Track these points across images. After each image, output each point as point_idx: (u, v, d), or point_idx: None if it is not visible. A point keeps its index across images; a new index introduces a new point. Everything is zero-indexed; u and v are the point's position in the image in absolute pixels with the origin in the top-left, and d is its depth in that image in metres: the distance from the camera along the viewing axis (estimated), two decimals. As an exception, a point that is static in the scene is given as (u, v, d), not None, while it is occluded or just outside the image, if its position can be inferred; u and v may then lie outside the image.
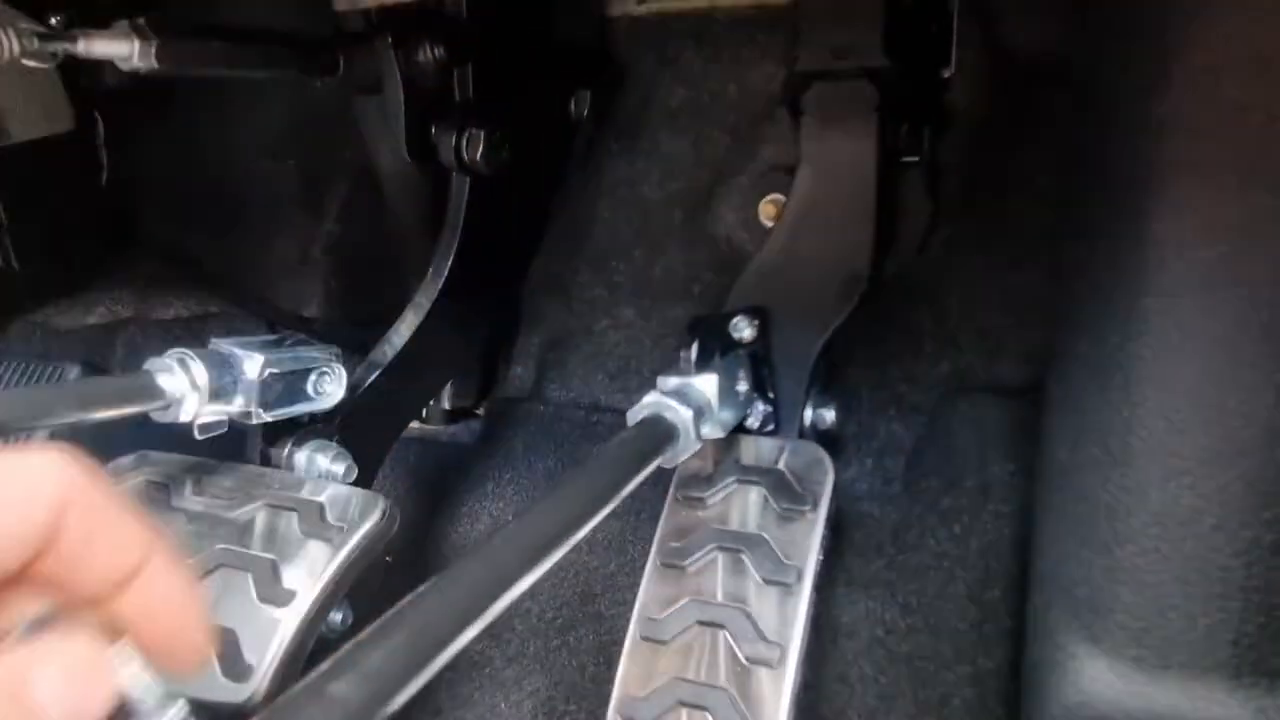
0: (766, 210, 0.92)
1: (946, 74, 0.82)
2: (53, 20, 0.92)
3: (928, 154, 0.81)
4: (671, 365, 1.11)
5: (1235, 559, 0.40)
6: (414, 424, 1.25)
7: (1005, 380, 0.76)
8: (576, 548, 1.12)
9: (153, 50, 0.55)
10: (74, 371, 1.13)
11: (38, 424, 0.63)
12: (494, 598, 0.43)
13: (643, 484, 0.72)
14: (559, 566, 1.05)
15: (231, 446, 0.79)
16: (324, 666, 0.36)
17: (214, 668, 0.64)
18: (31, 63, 0.49)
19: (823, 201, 0.75)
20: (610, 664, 0.95)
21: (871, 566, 0.78)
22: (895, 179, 0.80)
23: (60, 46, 0.50)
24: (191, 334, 1.34)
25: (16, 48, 0.48)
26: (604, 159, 1.03)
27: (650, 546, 0.75)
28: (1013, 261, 0.78)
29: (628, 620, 0.79)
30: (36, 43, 0.49)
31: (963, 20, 0.81)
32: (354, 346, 0.84)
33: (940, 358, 0.80)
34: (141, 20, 0.55)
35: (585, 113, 0.89)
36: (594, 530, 1.13)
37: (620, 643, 0.92)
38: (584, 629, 0.97)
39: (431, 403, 1.24)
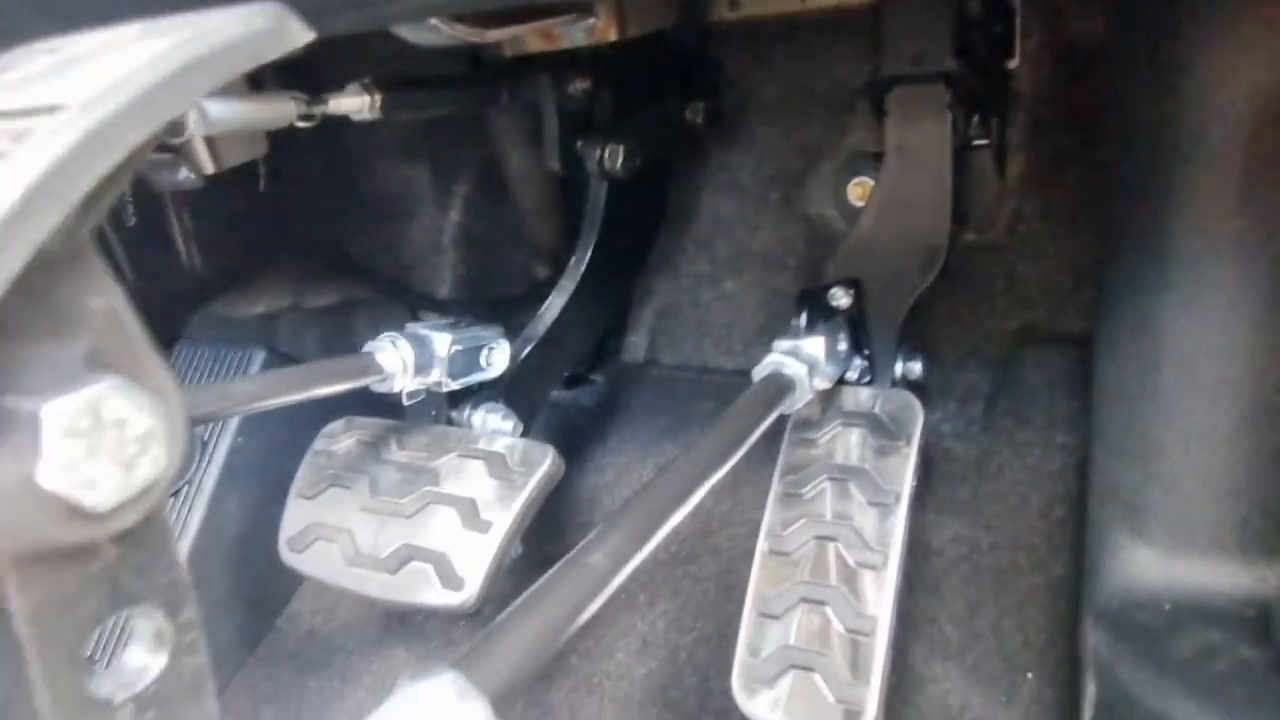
0: (854, 191, 1.05)
1: (1011, 65, 0.93)
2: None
3: (996, 138, 0.92)
4: (769, 329, 1.24)
5: (1239, 464, 0.53)
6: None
7: (1067, 331, 0.88)
8: (695, 491, 1.28)
9: (378, 104, 0.71)
10: (260, 355, 1.31)
11: (290, 397, 0.80)
12: (669, 515, 0.58)
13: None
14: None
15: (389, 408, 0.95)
16: (574, 551, 0.52)
17: (433, 579, 0.81)
18: (302, 123, 0.66)
19: (905, 188, 0.87)
20: (729, 588, 1.10)
21: (957, 495, 0.91)
22: (968, 162, 0.92)
23: (320, 109, 0.66)
24: (342, 318, 1.52)
25: (295, 112, 0.65)
26: (708, 149, 1.17)
27: (759, 488, 0.89)
28: (1071, 228, 0.89)
29: (742, 551, 0.92)
30: (305, 107, 0.65)
31: (1025, 16, 0.92)
32: (482, 322, 1.00)
33: (1011, 314, 0.92)
34: (368, 80, 0.71)
35: (700, 119, 1.03)
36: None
37: (736, 570, 1.07)
38: (705, 560, 1.12)
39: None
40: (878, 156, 0.95)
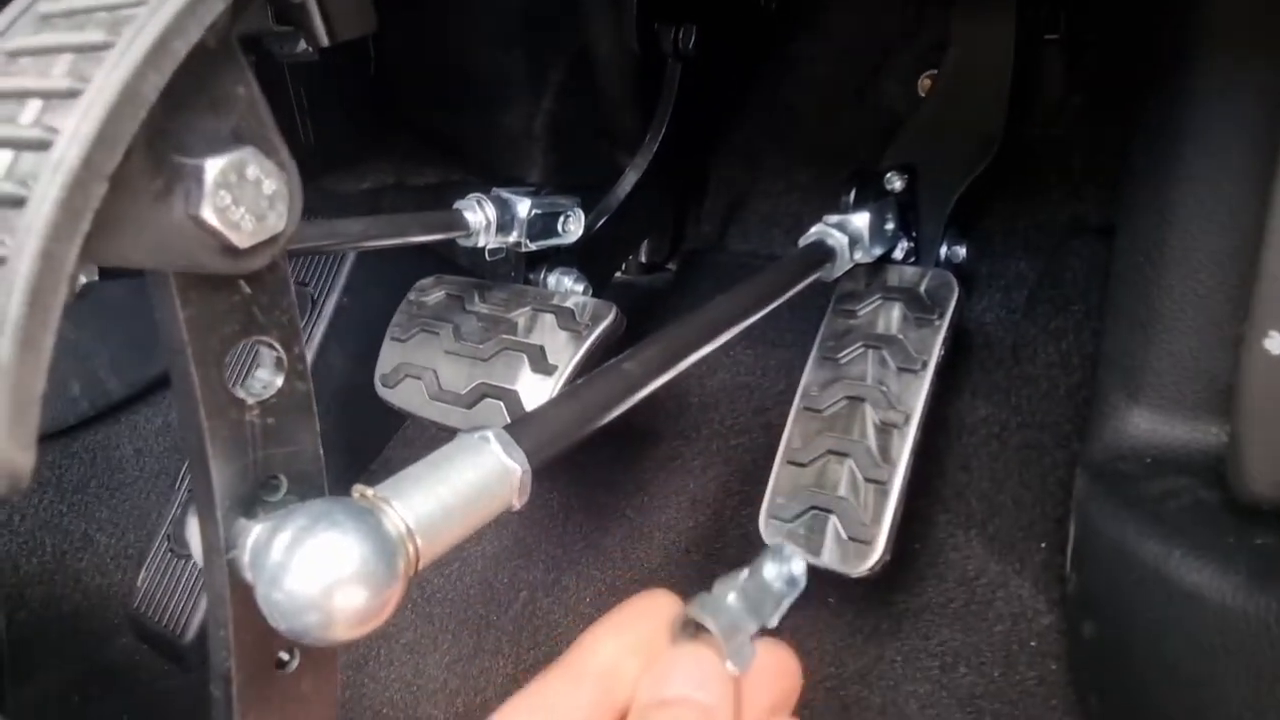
0: (924, 84, 1.07)
1: (1087, -40, 0.94)
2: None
3: (1065, 32, 0.94)
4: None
5: (1227, 331, 0.58)
6: (617, 274, 1.50)
7: (1113, 223, 0.90)
8: (751, 371, 1.38)
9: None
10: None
11: (387, 241, 0.90)
12: (697, 347, 0.66)
13: (807, 323, 0.93)
14: (736, 386, 1.29)
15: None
16: (614, 359, 0.61)
17: (504, 414, 0.92)
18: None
19: (967, 76, 0.90)
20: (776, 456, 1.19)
21: (992, 377, 0.97)
22: (1035, 55, 0.94)
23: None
24: (438, 198, 1.63)
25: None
26: (786, 42, 1.21)
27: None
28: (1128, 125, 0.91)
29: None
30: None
31: (1108, -91, 0.92)
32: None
33: (1063, 207, 0.95)
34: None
35: (774, 6, 1.07)
36: (766, 358, 1.38)
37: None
38: (756, 433, 1.21)
39: (631, 258, 1.49)
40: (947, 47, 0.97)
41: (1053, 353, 0.92)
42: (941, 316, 0.84)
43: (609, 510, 1.21)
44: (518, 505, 0.51)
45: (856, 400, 0.84)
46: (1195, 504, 0.54)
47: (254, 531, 0.42)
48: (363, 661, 1.19)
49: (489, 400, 0.93)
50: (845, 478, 0.82)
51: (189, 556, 1.27)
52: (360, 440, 1.44)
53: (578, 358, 0.91)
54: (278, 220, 0.38)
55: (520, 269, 1.03)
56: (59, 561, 1.29)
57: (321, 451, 0.46)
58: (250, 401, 0.42)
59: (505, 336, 0.95)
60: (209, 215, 0.36)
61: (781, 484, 0.85)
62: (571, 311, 0.95)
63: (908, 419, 0.80)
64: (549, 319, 0.95)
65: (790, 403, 1.24)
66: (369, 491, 0.44)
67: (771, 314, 1.29)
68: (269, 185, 0.38)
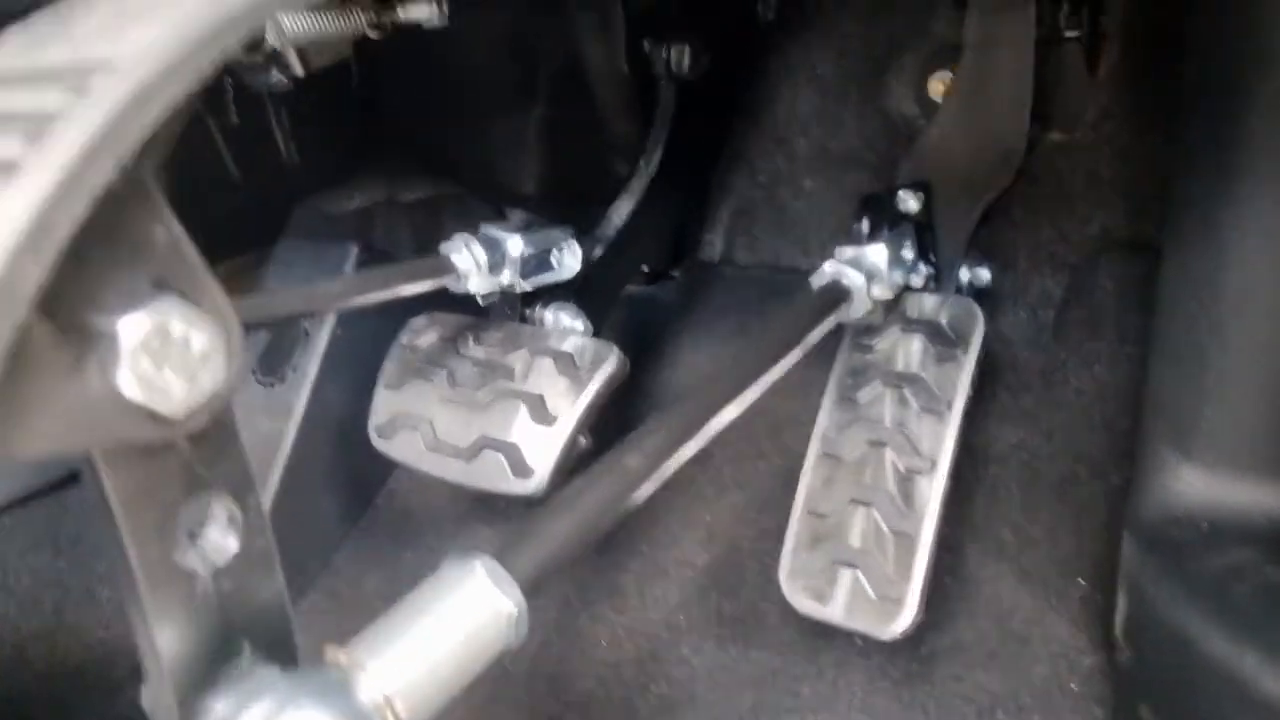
0: (935, 87, 1.01)
1: (1110, -53, 0.87)
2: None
3: (1087, 30, 0.87)
4: (846, 229, 1.23)
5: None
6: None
7: (1147, 237, 0.84)
8: (766, 391, 1.32)
9: (446, 11, 0.73)
10: (354, 249, 1.38)
11: (374, 296, 0.85)
12: (710, 418, 0.61)
13: (823, 339, 0.87)
14: (751, 408, 1.23)
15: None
16: (610, 454, 0.56)
17: (505, 468, 0.87)
18: (373, 33, 0.68)
19: (984, 83, 0.84)
20: (793, 483, 1.13)
21: (1021, 403, 0.91)
22: (1055, 56, 0.87)
23: (389, 17, 0.68)
24: (431, 213, 1.57)
25: (364, 21, 0.67)
26: (786, 43, 1.14)
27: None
28: (1163, 126, 0.84)
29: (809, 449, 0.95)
30: (375, 17, 0.68)
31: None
32: (565, 220, 1.02)
33: (1090, 218, 0.89)
34: (433, -11, 0.72)
35: (771, 15, 1.01)
36: (780, 379, 1.32)
37: (801, 470, 1.10)
38: (772, 457, 1.16)
39: (631, 268, 1.42)
40: (961, 49, 0.91)
41: (1086, 379, 0.86)
42: (966, 351, 0.78)
43: (623, 545, 1.16)
44: (517, 645, 0.46)
45: (878, 445, 0.79)
46: (1265, 588, 0.49)
47: (215, 713, 0.37)
48: None
49: (489, 453, 0.88)
50: (869, 529, 0.77)
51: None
52: (362, 475, 1.39)
53: (580, 407, 0.86)
54: (213, 379, 0.33)
55: (516, 306, 0.98)
56: (60, 619, 1.25)
57: (289, 607, 0.41)
58: (201, 572, 0.37)
59: (502, 383, 0.90)
60: (129, 386, 0.31)
61: (802, 537, 0.80)
62: (571, 356, 0.89)
63: (934, 466, 0.75)
64: (547, 364, 0.90)
65: (805, 424, 1.18)
66: (342, 656, 0.39)
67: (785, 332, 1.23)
68: (199, 340, 0.32)
